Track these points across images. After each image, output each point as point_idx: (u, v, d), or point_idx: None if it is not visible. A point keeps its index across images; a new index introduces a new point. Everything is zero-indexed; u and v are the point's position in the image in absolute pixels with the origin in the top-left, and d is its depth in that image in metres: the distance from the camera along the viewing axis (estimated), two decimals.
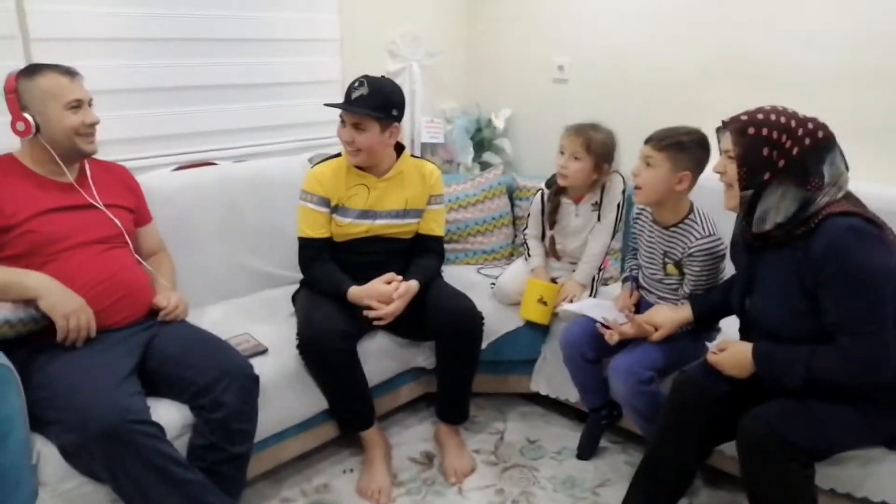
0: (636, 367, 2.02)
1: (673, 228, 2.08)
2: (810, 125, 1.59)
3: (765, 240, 1.66)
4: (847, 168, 1.64)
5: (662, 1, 2.78)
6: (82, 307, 1.71)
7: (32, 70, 1.81)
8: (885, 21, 2.29)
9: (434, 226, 2.36)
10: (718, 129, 1.71)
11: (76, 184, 1.89)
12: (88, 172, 1.94)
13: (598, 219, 2.44)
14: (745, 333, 1.83)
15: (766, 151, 1.58)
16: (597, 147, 2.32)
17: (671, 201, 2.06)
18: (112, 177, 2.02)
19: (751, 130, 1.60)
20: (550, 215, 2.48)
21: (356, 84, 2.12)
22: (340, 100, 2.16)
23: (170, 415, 1.75)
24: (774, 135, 1.58)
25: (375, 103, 2.10)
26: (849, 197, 1.63)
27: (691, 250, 2.03)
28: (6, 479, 1.51)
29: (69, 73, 1.83)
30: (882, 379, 1.56)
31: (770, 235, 1.64)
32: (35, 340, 1.70)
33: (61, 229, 1.81)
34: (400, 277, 2.18)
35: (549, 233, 2.51)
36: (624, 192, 2.53)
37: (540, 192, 2.52)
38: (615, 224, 2.44)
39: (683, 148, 1.99)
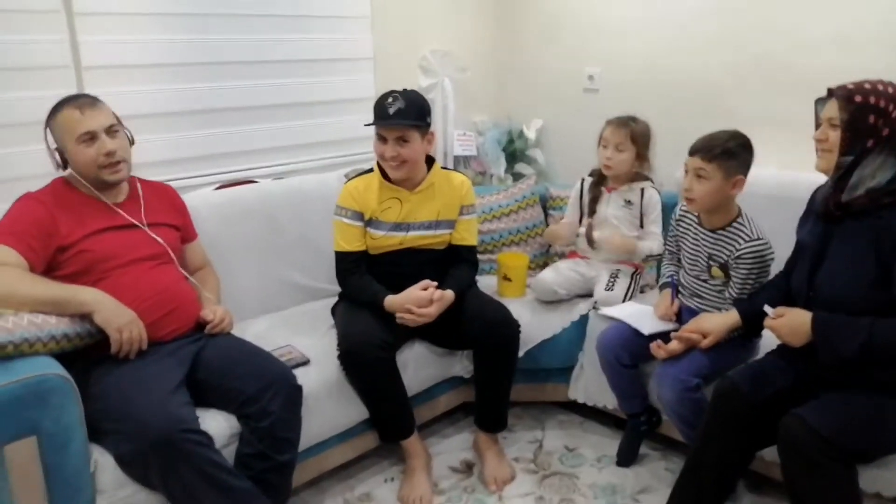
0: (683, 375, 2.01)
1: (720, 231, 2.09)
2: None
3: (846, 209, 1.68)
4: None
5: (690, 8, 2.79)
6: (134, 320, 1.78)
7: (57, 106, 1.86)
8: None
9: (467, 235, 2.39)
10: (818, 100, 1.76)
11: (126, 203, 1.97)
12: (140, 193, 2.02)
13: (637, 225, 2.49)
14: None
15: (872, 119, 1.62)
16: (638, 137, 2.44)
17: (723, 206, 2.07)
18: (159, 196, 2.10)
19: (858, 98, 1.63)
20: (591, 204, 2.56)
21: (389, 100, 2.16)
22: (370, 117, 2.21)
23: (218, 424, 1.80)
24: (882, 102, 1.62)
25: (415, 114, 2.16)
26: None
27: (740, 253, 2.03)
28: (67, 486, 1.58)
29: (80, 105, 1.84)
30: None
31: (855, 204, 1.66)
32: (90, 353, 1.77)
33: (112, 248, 1.89)
34: (435, 283, 2.21)
35: (586, 220, 2.56)
36: (660, 199, 2.57)
37: (581, 180, 2.62)
38: (664, 232, 2.49)
39: (733, 154, 2.00)
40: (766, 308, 1.83)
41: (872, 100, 1.62)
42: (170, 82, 2.47)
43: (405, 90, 2.21)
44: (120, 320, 1.75)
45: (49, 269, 1.81)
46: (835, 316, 1.69)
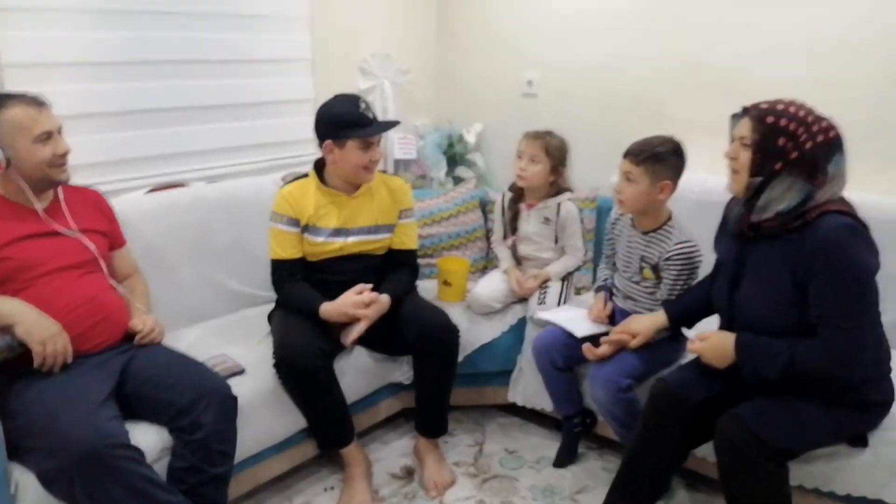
0: (615, 376, 2.06)
1: (651, 234, 2.14)
2: (825, 123, 1.65)
3: (758, 230, 1.71)
4: (847, 172, 1.69)
5: (628, 15, 2.85)
6: (59, 332, 1.71)
7: (0, 102, 1.79)
8: (844, 31, 2.38)
9: (406, 239, 2.39)
10: (734, 116, 1.76)
11: (50, 210, 1.89)
12: (62, 198, 1.94)
13: (556, 240, 2.56)
14: (727, 328, 1.86)
15: (781, 141, 1.63)
16: (553, 150, 2.49)
17: (652, 209, 2.12)
18: (85, 202, 2.02)
19: (770, 119, 1.65)
20: (511, 222, 2.61)
21: (363, 105, 2.18)
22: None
23: (148, 438, 1.75)
24: (792, 126, 1.63)
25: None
26: (843, 199, 1.70)
27: (669, 254, 2.09)
28: None
29: (37, 103, 1.81)
30: (856, 374, 1.64)
31: (765, 226, 1.69)
32: (11, 367, 1.69)
33: (36, 256, 1.81)
34: (369, 286, 2.19)
35: (510, 238, 2.62)
36: (594, 200, 2.63)
37: (501, 195, 2.67)
38: (584, 242, 2.60)
39: (660, 158, 2.05)
40: (687, 332, 1.88)
41: (783, 122, 1.64)
42: (97, 81, 2.37)
43: (358, 95, 2.23)
44: (43, 332, 1.68)
45: None
46: (756, 339, 1.72)
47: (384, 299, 2.21)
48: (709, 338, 1.82)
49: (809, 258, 1.61)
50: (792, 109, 1.66)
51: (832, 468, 1.82)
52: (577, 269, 2.63)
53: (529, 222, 2.58)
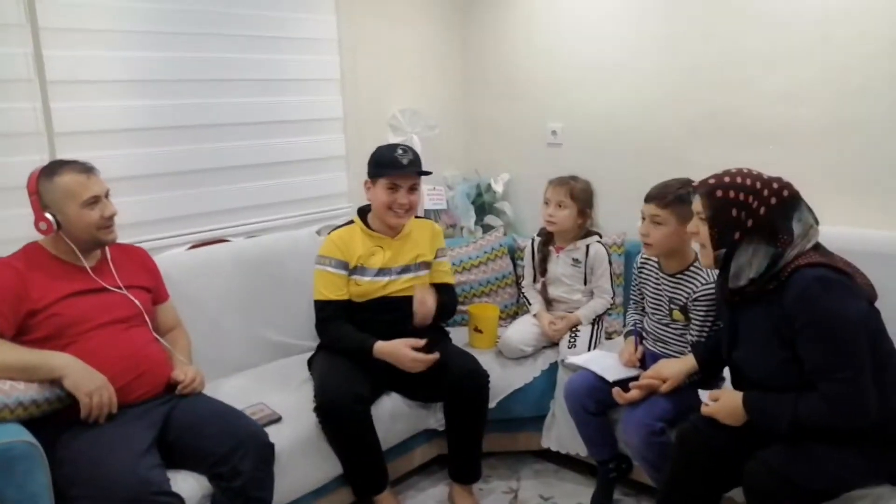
0: (647, 419, 2.05)
1: (678, 275, 2.16)
2: (775, 185, 1.68)
3: (741, 295, 1.73)
4: (816, 221, 1.72)
5: (647, 66, 2.93)
6: (105, 385, 1.79)
7: (52, 169, 1.90)
8: (860, 77, 2.42)
9: (444, 275, 2.49)
10: (688, 192, 1.81)
11: (97, 267, 2.00)
12: (109, 256, 2.04)
13: (585, 281, 2.59)
14: (736, 382, 1.88)
15: (734, 212, 1.67)
16: (579, 194, 2.55)
17: (679, 250, 2.15)
18: (130, 259, 2.13)
19: (719, 193, 1.69)
20: (541, 264, 2.66)
21: (399, 152, 2.30)
22: (347, 176, 2.31)
23: (189, 486, 1.80)
24: (741, 196, 1.67)
25: (421, 165, 2.34)
26: (818, 248, 1.70)
27: (696, 295, 2.10)
28: None
29: (86, 170, 1.93)
30: (863, 423, 1.60)
31: (745, 291, 1.71)
32: (59, 418, 1.77)
33: (83, 312, 1.90)
34: (423, 342, 2.24)
35: (540, 280, 2.67)
36: (622, 245, 2.67)
37: (531, 240, 2.72)
38: (612, 285, 2.61)
39: (685, 200, 2.08)
40: (701, 394, 1.89)
41: (732, 194, 1.67)
42: (140, 146, 2.52)
43: (406, 144, 2.36)
44: (90, 385, 1.76)
45: (19, 333, 1.82)
46: (763, 397, 1.72)
47: (434, 297, 2.33)
48: (720, 398, 1.82)
49: (789, 316, 1.63)
50: (739, 180, 1.69)
51: None
52: (607, 312, 2.65)
53: (559, 264, 2.62)
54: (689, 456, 1.86)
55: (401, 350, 2.20)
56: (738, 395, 1.77)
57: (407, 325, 2.33)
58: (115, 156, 2.42)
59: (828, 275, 1.62)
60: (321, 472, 2.14)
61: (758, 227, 1.66)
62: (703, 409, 1.85)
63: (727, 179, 1.70)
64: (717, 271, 2.08)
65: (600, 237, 2.63)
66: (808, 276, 1.61)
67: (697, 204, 1.75)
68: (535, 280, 2.71)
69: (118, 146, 2.46)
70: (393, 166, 2.28)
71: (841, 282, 1.62)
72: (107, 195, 1.96)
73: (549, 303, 2.68)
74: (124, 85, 2.45)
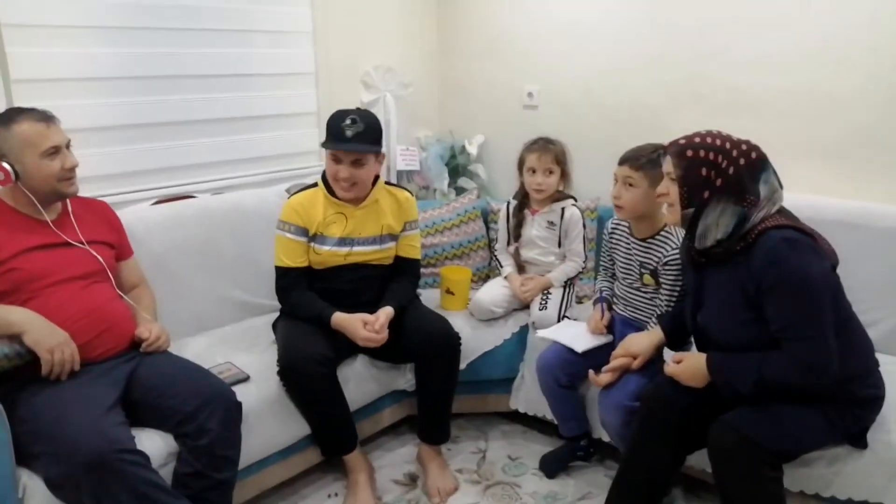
0: (625, 400, 2.05)
1: (649, 240, 2.17)
2: (744, 146, 1.72)
3: (707, 256, 1.76)
4: (781, 186, 1.75)
5: (628, 29, 2.89)
6: (66, 341, 1.74)
7: (8, 117, 1.83)
8: (833, 45, 2.41)
9: (409, 250, 2.42)
10: (659, 155, 1.82)
11: (59, 221, 1.93)
12: (70, 210, 1.98)
13: (559, 244, 2.59)
14: (700, 346, 1.90)
15: (704, 171, 1.70)
16: (561, 157, 2.54)
17: (650, 214, 2.15)
18: (93, 213, 2.06)
19: (689, 153, 1.71)
20: (515, 229, 2.64)
21: (347, 121, 2.17)
22: (318, 133, 2.22)
23: (154, 444, 1.77)
24: (711, 155, 1.69)
25: (372, 138, 2.19)
26: (782, 211, 1.74)
27: (667, 259, 2.12)
28: None
29: (46, 118, 1.85)
30: (828, 381, 1.64)
31: (711, 252, 1.74)
32: (19, 375, 1.72)
33: (44, 267, 1.84)
34: (374, 318, 2.20)
35: (513, 244, 2.65)
36: (595, 210, 2.67)
37: (507, 204, 2.69)
38: (585, 248, 2.61)
39: (658, 164, 2.08)
40: (666, 355, 1.91)
41: (702, 153, 1.70)
42: (105, 96, 2.42)
43: (364, 112, 2.23)
44: (51, 341, 1.71)
45: None
46: (726, 357, 1.76)
47: (389, 311, 2.24)
48: (683, 360, 1.85)
49: (756, 277, 1.65)
50: (709, 140, 1.72)
51: (832, 472, 1.82)
52: (579, 276, 2.65)
53: (534, 226, 2.61)
54: (653, 418, 1.89)
55: (355, 326, 2.17)
56: (702, 357, 1.80)
57: (367, 294, 2.31)
58: (77, 105, 2.33)
59: (794, 235, 1.65)
60: (289, 432, 2.13)
61: (726, 186, 1.69)
62: (666, 369, 1.88)
63: (697, 140, 1.72)
64: (683, 239, 2.12)
65: (575, 200, 2.62)
66: (775, 237, 1.64)
67: (668, 164, 1.77)
68: (508, 243, 2.70)
69: (80, 95, 2.36)
70: (336, 138, 2.18)
71: (806, 242, 1.66)
72: (67, 146, 1.89)
73: (521, 267, 2.68)
74: (87, 31, 2.35)
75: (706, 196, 1.70)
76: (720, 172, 1.69)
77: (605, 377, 2.11)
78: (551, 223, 2.59)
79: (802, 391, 1.68)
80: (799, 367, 1.63)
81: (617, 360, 2.10)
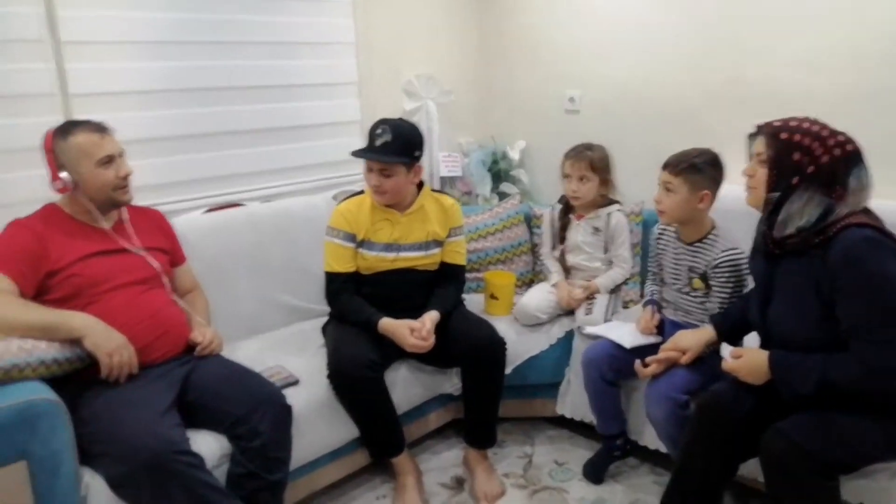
0: (672, 392, 2.03)
1: (697, 244, 2.15)
2: (840, 137, 1.66)
3: (783, 247, 1.71)
4: (871, 184, 1.68)
5: (668, 32, 2.87)
6: (124, 344, 1.80)
7: (66, 129, 1.90)
8: (883, 45, 2.35)
9: (455, 255, 2.44)
10: (751, 135, 1.78)
11: (115, 229, 2.00)
12: (126, 218, 2.04)
13: (605, 250, 2.57)
14: (765, 343, 1.86)
15: (797, 156, 1.65)
16: (598, 163, 2.52)
17: (694, 219, 2.13)
18: (148, 221, 2.13)
19: (783, 135, 1.67)
20: (560, 233, 2.64)
21: (378, 131, 2.21)
22: (362, 141, 2.26)
23: (209, 445, 1.82)
24: (806, 141, 1.65)
25: (400, 148, 2.20)
26: (867, 211, 1.68)
27: (716, 262, 2.09)
28: None
29: (100, 129, 1.92)
30: (893, 389, 1.59)
31: (788, 242, 1.69)
32: (81, 378, 1.78)
33: (102, 272, 1.91)
34: (420, 325, 2.21)
35: (559, 248, 2.65)
36: (640, 214, 2.65)
37: (551, 208, 2.69)
38: (631, 254, 2.60)
39: (699, 169, 2.07)
40: (724, 350, 1.87)
41: (797, 138, 1.65)
42: (156, 108, 2.49)
43: (398, 120, 2.26)
44: (110, 345, 1.77)
45: (39, 293, 1.83)
46: (790, 355, 1.71)
47: (434, 316, 2.25)
48: (743, 355, 1.81)
49: (832, 274, 1.60)
50: (806, 125, 1.67)
51: (894, 485, 1.76)
52: (625, 281, 2.63)
53: (579, 232, 2.60)
54: (708, 426, 1.85)
55: (403, 333, 2.19)
56: (763, 353, 1.75)
57: (414, 299, 2.33)
58: (130, 118, 2.40)
59: (876, 236, 1.60)
60: (338, 435, 2.16)
61: (817, 174, 1.63)
62: (724, 365, 1.84)
63: (793, 123, 1.68)
64: (734, 245, 2.08)
65: (621, 205, 2.60)
66: (857, 235, 1.59)
67: (759, 144, 1.72)
68: (553, 248, 2.69)
69: (134, 108, 2.44)
70: (366, 147, 2.23)
71: (888, 245, 1.61)
72: (121, 155, 1.96)
73: (567, 270, 2.66)
74: (140, 46, 2.43)
75: (795, 182, 1.65)
76: (813, 159, 1.64)
77: (651, 368, 2.09)
78: (596, 229, 2.57)
79: (866, 397, 1.63)
80: (866, 370, 1.58)
81: (665, 353, 2.08)
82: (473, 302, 2.63)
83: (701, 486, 1.89)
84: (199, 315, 2.11)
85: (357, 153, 2.24)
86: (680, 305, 2.24)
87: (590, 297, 2.54)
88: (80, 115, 2.11)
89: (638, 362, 2.12)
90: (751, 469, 1.92)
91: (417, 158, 2.27)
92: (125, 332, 1.82)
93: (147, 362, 1.87)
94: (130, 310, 1.89)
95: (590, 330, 2.37)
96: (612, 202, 2.59)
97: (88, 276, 1.88)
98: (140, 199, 2.19)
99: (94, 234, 1.96)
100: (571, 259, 2.63)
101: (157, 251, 2.08)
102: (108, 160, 1.91)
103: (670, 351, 2.07)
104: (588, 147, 2.54)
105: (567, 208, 2.63)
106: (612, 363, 2.23)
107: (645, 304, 2.38)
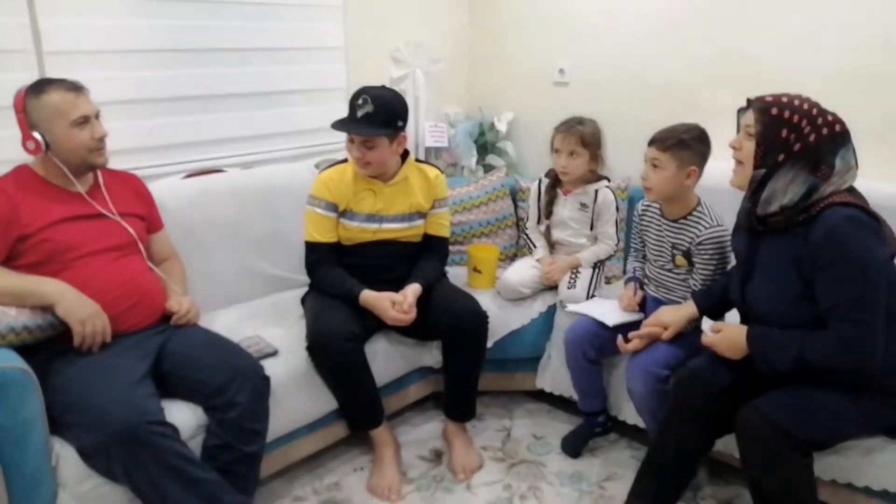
0: (653, 367, 2.04)
1: (682, 221, 2.13)
2: (829, 116, 1.65)
3: (766, 225, 1.71)
4: (857, 165, 1.68)
5: (661, 5, 2.82)
6: (98, 312, 1.76)
7: (39, 87, 1.83)
8: (879, 22, 2.32)
9: (439, 227, 2.41)
10: (740, 110, 1.76)
11: (90, 193, 1.95)
12: (101, 182, 1.99)
13: (591, 226, 2.54)
14: (744, 319, 1.87)
15: (784, 133, 1.63)
16: (589, 139, 2.45)
17: (680, 196, 2.11)
18: (124, 186, 2.07)
19: (774, 111, 1.65)
20: (547, 207, 2.59)
21: (359, 101, 2.14)
22: (345, 110, 2.20)
23: (184, 416, 1.79)
24: (795, 118, 1.63)
25: (382, 120, 2.14)
26: (852, 191, 1.68)
27: (700, 239, 2.08)
28: (27, 480, 1.56)
29: (75, 88, 1.86)
30: (869, 368, 1.60)
31: (771, 220, 1.69)
32: (52, 346, 1.75)
33: (76, 238, 1.86)
34: (403, 298, 2.19)
35: (545, 223, 2.61)
36: (626, 190, 2.62)
37: (538, 181, 2.63)
38: (616, 231, 2.55)
39: (686, 145, 2.05)
40: (705, 326, 1.87)
41: (787, 114, 1.63)
42: (135, 69, 2.42)
43: (379, 91, 2.18)
44: (83, 312, 1.73)
45: (9, 258, 1.78)
46: (768, 330, 1.72)
47: (416, 288, 2.23)
48: (722, 330, 1.82)
49: (814, 252, 1.60)
50: (797, 102, 1.65)
51: (867, 461, 1.78)
52: (609, 257, 2.61)
53: (566, 207, 2.56)
54: (685, 401, 1.87)
55: (384, 305, 2.16)
56: (742, 328, 1.76)
57: (396, 271, 2.30)
58: (109, 78, 2.33)
59: (859, 216, 1.60)
60: (317, 406, 2.14)
61: (804, 152, 1.63)
62: (704, 339, 1.85)
63: (785, 99, 1.66)
64: (719, 222, 2.07)
65: (609, 182, 2.57)
66: (840, 215, 1.59)
67: (748, 118, 1.70)
68: (538, 221, 2.67)
69: (112, 68, 2.36)
70: (346, 118, 2.18)
71: (871, 225, 1.61)
72: (97, 116, 1.90)
73: (551, 245, 2.64)
74: (117, 3, 2.34)
75: (781, 159, 1.64)
76: (801, 137, 1.63)
77: (633, 343, 2.09)
78: (584, 205, 2.54)
79: (841, 375, 1.65)
80: (843, 349, 1.59)
81: (647, 328, 2.08)
82: (456, 275, 2.60)
83: (676, 461, 1.91)
84: (175, 283, 2.08)
85: (337, 126, 2.18)
86: (662, 282, 2.23)
87: (574, 271, 2.52)
88: (54, 75, 2.04)
89: (620, 338, 2.12)
90: (726, 445, 1.95)
91: (401, 129, 2.22)
92: (99, 299, 1.78)
93: (121, 331, 1.83)
94: (104, 277, 1.85)
95: (572, 308, 2.36)
96: (600, 178, 2.56)
97: (61, 241, 1.83)
98: (118, 163, 2.14)
99: (68, 198, 1.90)
100: (557, 234, 2.60)
101: (133, 217, 2.03)
102: (84, 121, 1.85)
103: (652, 326, 2.08)
104: (579, 121, 2.48)
105: (555, 182, 2.59)
106: (594, 341, 2.22)
107: (627, 281, 2.38)
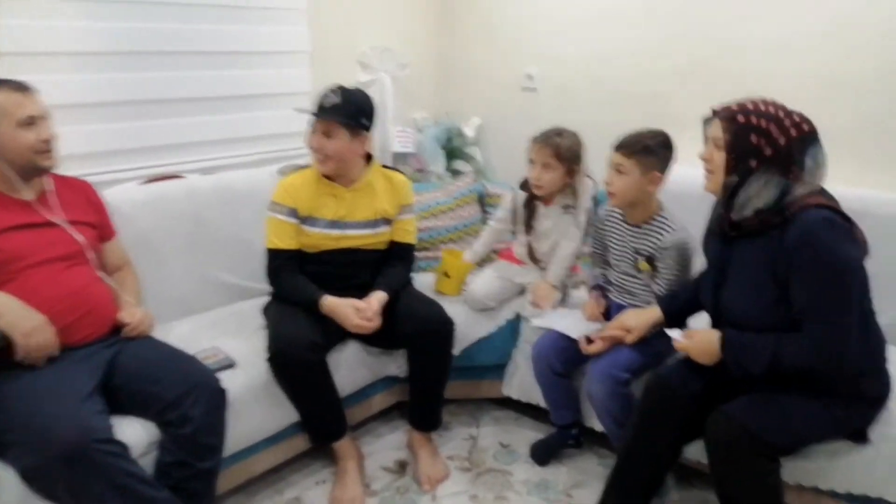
0: (613, 370, 2.03)
1: (644, 226, 2.12)
2: (796, 117, 1.64)
3: (740, 229, 1.70)
4: (825, 164, 1.67)
5: (629, 9, 2.81)
6: (43, 325, 1.69)
7: None
8: (851, 30, 2.34)
9: (405, 234, 2.37)
10: (706, 120, 1.75)
11: (39, 200, 1.87)
12: (52, 188, 1.92)
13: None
14: (716, 324, 1.85)
15: (754, 139, 1.62)
16: (565, 153, 2.32)
17: (642, 201, 2.10)
18: (74, 193, 2.00)
19: (740, 118, 1.64)
20: (528, 221, 2.46)
21: (329, 93, 2.14)
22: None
23: (135, 432, 1.73)
24: (763, 123, 1.62)
25: (346, 112, 2.13)
26: (823, 192, 1.68)
27: (663, 244, 2.06)
28: None
29: (22, 88, 1.79)
30: (843, 369, 1.60)
31: (745, 224, 1.68)
32: None
33: (21, 247, 1.78)
34: (366, 305, 2.15)
35: (526, 238, 2.49)
36: (595, 196, 2.58)
37: (513, 195, 2.51)
38: (586, 227, 2.44)
39: (651, 151, 2.03)
40: (673, 332, 1.86)
41: (754, 120, 1.63)
42: (91, 71, 2.35)
43: (351, 89, 2.19)
44: (27, 325, 1.66)
45: None
46: (742, 335, 1.70)
47: (381, 296, 2.19)
48: (695, 336, 1.81)
49: (789, 254, 1.60)
50: (762, 107, 1.65)
51: (832, 465, 1.79)
52: (578, 258, 2.50)
53: (549, 217, 2.42)
54: (655, 407, 1.86)
55: (346, 312, 2.12)
56: (715, 333, 1.75)
57: (360, 278, 2.26)
58: (62, 80, 2.26)
59: (834, 218, 1.59)
60: (277, 419, 2.09)
61: (775, 156, 1.62)
62: (676, 345, 1.84)
63: (750, 106, 1.65)
64: (681, 226, 2.06)
65: (594, 183, 2.43)
66: (815, 216, 1.59)
67: (716, 129, 1.69)
68: (516, 232, 2.54)
69: (67, 70, 2.28)
70: (315, 106, 2.16)
71: (844, 227, 1.61)
72: (45, 118, 1.83)
73: (536, 261, 2.51)
74: (73, 3, 2.27)
75: (753, 165, 1.63)
76: (770, 141, 1.61)
77: (595, 346, 2.08)
78: (567, 206, 2.41)
79: (815, 377, 1.64)
80: (817, 350, 1.59)
81: (610, 331, 2.06)
82: (423, 282, 2.56)
83: (646, 468, 1.90)
84: (127, 294, 2.00)
85: (300, 109, 2.17)
86: (625, 287, 2.21)
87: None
88: (5, 75, 1.96)
89: (582, 339, 2.11)
90: (694, 451, 1.93)
91: (364, 128, 2.19)
92: (45, 311, 1.71)
93: (69, 344, 1.76)
94: (51, 287, 1.78)
95: (537, 322, 2.32)
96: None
97: (6, 250, 1.76)
98: (71, 169, 2.07)
99: (14, 205, 1.83)
100: (539, 248, 2.47)
101: (83, 225, 1.95)
102: (30, 121, 1.78)
103: (615, 330, 2.06)
104: (558, 133, 2.32)
105: (532, 196, 2.44)
106: (560, 354, 2.20)
107: (591, 290, 2.35)
